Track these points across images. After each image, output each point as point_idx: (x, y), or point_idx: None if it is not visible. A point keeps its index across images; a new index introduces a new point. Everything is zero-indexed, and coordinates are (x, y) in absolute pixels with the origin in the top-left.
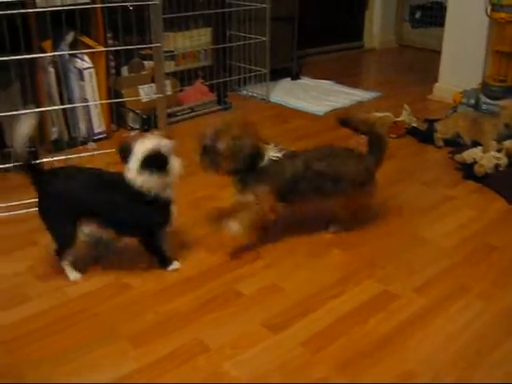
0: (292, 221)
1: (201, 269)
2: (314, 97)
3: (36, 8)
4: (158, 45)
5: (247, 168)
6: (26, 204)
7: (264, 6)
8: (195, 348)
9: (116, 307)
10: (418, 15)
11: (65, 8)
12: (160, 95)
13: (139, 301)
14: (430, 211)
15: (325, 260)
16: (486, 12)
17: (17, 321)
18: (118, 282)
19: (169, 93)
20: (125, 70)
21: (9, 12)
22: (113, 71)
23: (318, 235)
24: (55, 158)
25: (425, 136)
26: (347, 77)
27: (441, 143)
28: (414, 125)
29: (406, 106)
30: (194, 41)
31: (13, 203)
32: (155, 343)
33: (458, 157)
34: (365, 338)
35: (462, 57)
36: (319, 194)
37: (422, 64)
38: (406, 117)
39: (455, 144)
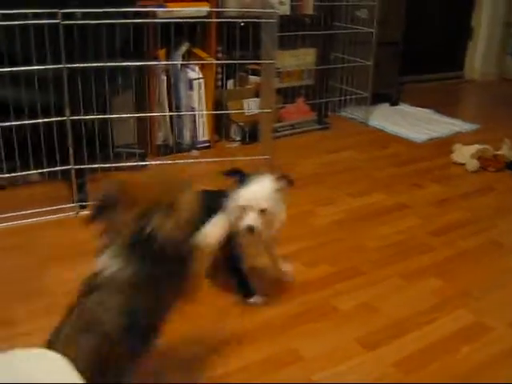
0: (387, 244)
1: (298, 281)
2: (412, 124)
3: (156, 18)
4: (272, 61)
5: None
6: None
7: (371, 30)
8: (288, 356)
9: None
10: None
11: (183, 20)
12: (267, 110)
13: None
14: None
15: (421, 285)
16: None
17: None
18: None
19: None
20: (230, 83)
21: (134, 21)
22: (219, 83)
23: (415, 260)
24: (160, 162)
25: None
26: (446, 106)
27: None
28: None
29: (506, 140)
30: (299, 60)
31: None
32: (248, 348)
33: None
34: (456, 367)
35: None
36: None
37: None
38: (506, 151)
39: None
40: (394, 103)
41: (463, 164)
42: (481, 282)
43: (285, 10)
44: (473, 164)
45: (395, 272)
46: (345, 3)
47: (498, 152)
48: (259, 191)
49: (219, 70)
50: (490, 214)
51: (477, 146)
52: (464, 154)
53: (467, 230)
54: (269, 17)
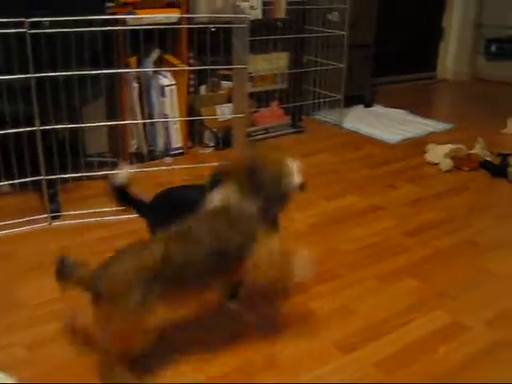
0: (363, 246)
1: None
2: (386, 125)
3: (126, 26)
4: (243, 66)
5: None
6: (103, 212)
7: (342, 33)
8: (264, 363)
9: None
10: (493, 48)
11: (154, 27)
12: (240, 115)
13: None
14: (503, 246)
15: (397, 286)
16: None
17: None
18: None
19: (246, 113)
20: (203, 89)
21: (104, 29)
22: (191, 89)
23: (390, 261)
24: (133, 170)
25: (498, 170)
26: (420, 107)
27: None
28: (488, 158)
29: (479, 138)
30: (272, 64)
31: (92, 210)
32: (226, 356)
33: None
34: (434, 368)
35: None
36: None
37: (496, 97)
38: (479, 150)
39: None
40: (367, 105)
41: (437, 164)
42: (457, 282)
43: (256, 14)
44: (446, 163)
45: (371, 274)
46: (316, 6)
47: (472, 151)
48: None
49: (191, 76)
50: (464, 214)
51: (450, 146)
52: (438, 153)
53: (442, 230)
54: (240, 22)
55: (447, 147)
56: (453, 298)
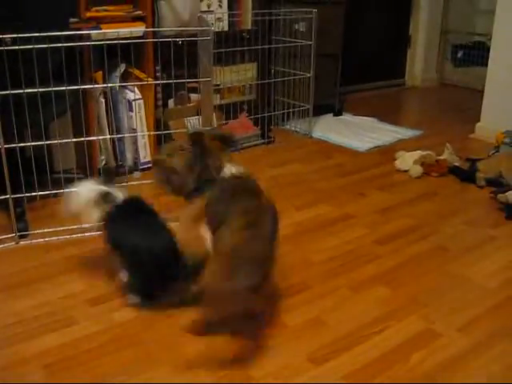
0: (334, 256)
1: None
2: (356, 133)
3: (91, 41)
4: (208, 79)
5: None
6: (72, 229)
7: (309, 42)
8: (238, 376)
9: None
10: (460, 54)
11: (118, 42)
12: (208, 127)
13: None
14: (472, 251)
15: (369, 295)
16: None
17: (62, 344)
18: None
19: (214, 125)
20: (171, 102)
21: (67, 45)
22: (159, 103)
23: (362, 270)
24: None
25: (467, 175)
26: (389, 114)
27: (483, 183)
28: (456, 164)
29: (448, 144)
30: (240, 75)
31: (60, 228)
32: (199, 371)
33: (500, 197)
34: (407, 375)
35: (505, 96)
36: None
37: (464, 103)
38: (448, 155)
39: (497, 184)
40: (336, 114)
41: (407, 171)
42: (428, 288)
43: (223, 26)
44: (416, 170)
45: (343, 283)
46: (283, 17)
47: (441, 157)
48: None
49: (158, 89)
50: (434, 220)
51: (419, 152)
52: (407, 160)
53: (412, 237)
54: (205, 34)
55: (417, 154)
56: (424, 304)
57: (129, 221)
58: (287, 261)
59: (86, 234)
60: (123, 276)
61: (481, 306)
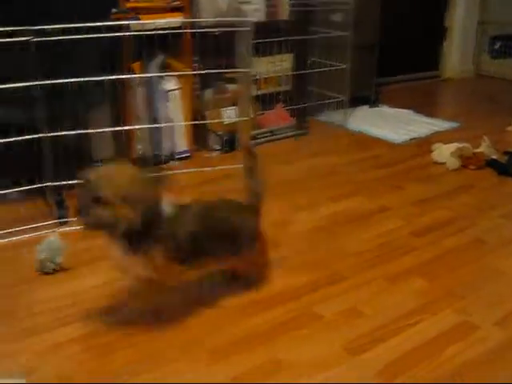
0: (370, 247)
1: (281, 289)
2: (392, 125)
3: (130, 31)
4: (248, 70)
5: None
6: None
7: (346, 33)
8: (272, 365)
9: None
10: (497, 46)
11: (156, 32)
12: (245, 118)
13: (221, 316)
14: (510, 245)
15: (405, 287)
16: None
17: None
18: None
19: (251, 116)
20: (208, 93)
21: (108, 35)
22: (196, 93)
23: (398, 262)
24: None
25: (504, 168)
26: (425, 106)
27: None
28: (494, 157)
29: (485, 137)
30: (276, 66)
31: None
32: (233, 359)
33: None
34: (442, 368)
35: None
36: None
37: (501, 95)
38: (485, 148)
39: None
40: (372, 105)
41: (443, 163)
42: (465, 281)
43: (260, 16)
44: (453, 162)
45: (379, 275)
46: (319, 8)
47: (478, 150)
48: None
49: (196, 79)
50: (471, 212)
51: (456, 145)
52: (444, 152)
53: (449, 229)
54: (243, 25)
55: (453, 146)
56: (461, 297)
57: None
58: (322, 251)
59: None
60: None
61: None
